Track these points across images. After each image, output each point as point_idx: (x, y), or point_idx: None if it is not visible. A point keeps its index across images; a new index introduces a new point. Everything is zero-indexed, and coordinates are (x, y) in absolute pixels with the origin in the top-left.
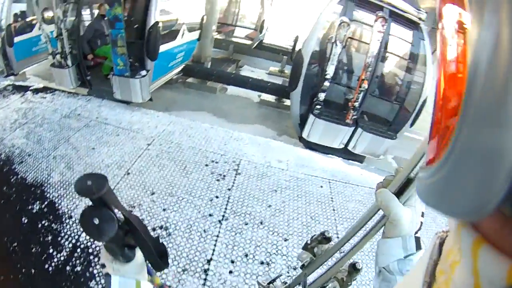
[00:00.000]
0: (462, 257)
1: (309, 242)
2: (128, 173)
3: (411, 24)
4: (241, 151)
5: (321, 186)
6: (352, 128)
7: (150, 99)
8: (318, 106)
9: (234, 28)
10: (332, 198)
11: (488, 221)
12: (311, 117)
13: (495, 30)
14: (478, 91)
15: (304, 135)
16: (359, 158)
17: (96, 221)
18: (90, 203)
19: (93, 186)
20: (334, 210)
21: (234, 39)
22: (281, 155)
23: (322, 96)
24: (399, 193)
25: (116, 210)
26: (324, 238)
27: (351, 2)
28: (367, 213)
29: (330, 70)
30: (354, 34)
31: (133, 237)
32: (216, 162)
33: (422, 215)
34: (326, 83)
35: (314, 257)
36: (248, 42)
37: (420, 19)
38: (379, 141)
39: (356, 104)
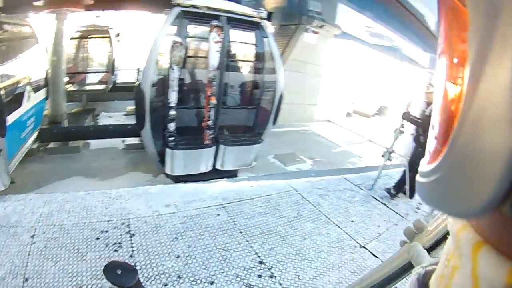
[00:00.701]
0: (462, 261)
1: None
2: (26, 279)
3: (251, 26)
4: (125, 209)
5: (218, 214)
6: (214, 148)
7: (12, 182)
8: (171, 138)
9: (85, 75)
10: (234, 221)
11: (488, 222)
12: (168, 151)
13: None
14: (477, 96)
15: (168, 171)
16: (232, 173)
17: None
18: None
19: (123, 277)
20: (241, 232)
21: (88, 87)
22: (166, 199)
23: (172, 126)
24: (431, 248)
25: None
26: None
27: (185, 19)
28: (396, 263)
29: (172, 97)
30: (196, 50)
31: None
32: (106, 231)
33: None
34: (172, 112)
35: None
36: (103, 86)
37: (261, 18)
38: (246, 150)
39: (210, 122)
